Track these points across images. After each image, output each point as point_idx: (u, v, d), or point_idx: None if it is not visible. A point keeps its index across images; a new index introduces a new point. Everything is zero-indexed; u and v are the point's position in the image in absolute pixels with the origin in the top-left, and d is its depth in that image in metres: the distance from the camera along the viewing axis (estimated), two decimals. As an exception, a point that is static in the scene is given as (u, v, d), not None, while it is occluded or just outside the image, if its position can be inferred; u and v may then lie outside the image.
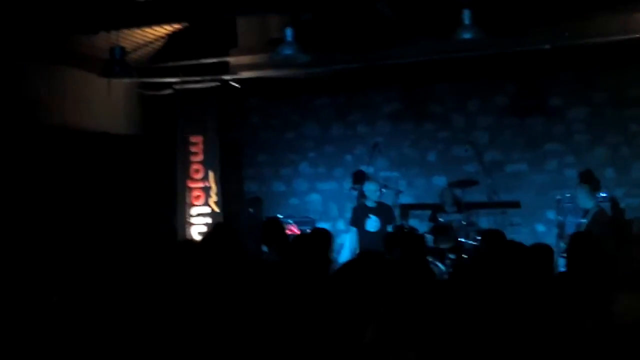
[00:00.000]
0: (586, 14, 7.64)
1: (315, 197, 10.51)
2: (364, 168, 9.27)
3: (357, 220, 8.10)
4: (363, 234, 7.97)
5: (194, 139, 9.63)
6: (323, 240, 5.07)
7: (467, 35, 6.66)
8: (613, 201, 8.60)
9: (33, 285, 4.34)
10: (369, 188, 8.17)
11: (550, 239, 8.80)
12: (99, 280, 4.61)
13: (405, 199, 9.39)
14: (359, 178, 9.25)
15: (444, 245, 8.33)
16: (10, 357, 3.31)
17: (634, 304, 2.48)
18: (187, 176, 9.60)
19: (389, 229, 7.98)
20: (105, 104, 9.01)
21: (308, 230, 9.15)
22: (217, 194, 9.53)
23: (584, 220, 7.70)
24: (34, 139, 7.87)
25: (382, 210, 8.09)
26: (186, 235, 9.32)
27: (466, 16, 6.62)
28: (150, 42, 8.80)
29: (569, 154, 9.43)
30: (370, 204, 8.11)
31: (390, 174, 10.00)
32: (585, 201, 7.76)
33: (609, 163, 9.25)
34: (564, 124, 9.46)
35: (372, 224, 7.99)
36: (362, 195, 8.58)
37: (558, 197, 8.55)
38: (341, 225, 9.90)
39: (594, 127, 9.34)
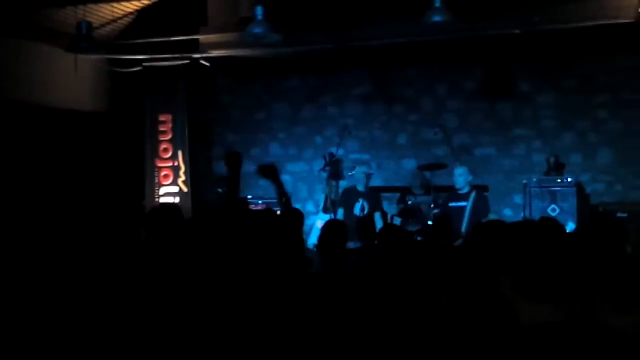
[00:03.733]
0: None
1: (285, 178, 10.48)
2: (333, 150, 9.27)
3: (346, 202, 8.30)
4: (349, 217, 8.09)
5: (162, 117, 9.54)
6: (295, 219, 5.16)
7: (437, 18, 6.67)
8: (579, 186, 8.72)
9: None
10: (359, 171, 8.45)
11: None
12: (66, 261, 4.56)
13: (375, 182, 9.40)
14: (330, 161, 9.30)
15: (412, 228, 8.39)
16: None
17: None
18: (155, 155, 9.51)
19: (377, 215, 8.24)
20: (72, 81, 8.85)
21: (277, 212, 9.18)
22: (185, 174, 9.47)
23: (464, 204, 7.87)
24: (-1, 115, 7.72)
25: (370, 196, 8.36)
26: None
27: (436, -2, 6.63)
28: (119, 18, 8.66)
29: (536, 138, 9.51)
30: (360, 188, 8.34)
31: (360, 156, 10.01)
32: (464, 184, 7.95)
33: (576, 149, 9.35)
34: (533, 109, 9.53)
35: (361, 207, 8.18)
36: (332, 177, 8.67)
37: (524, 181, 8.62)
38: (310, 206, 9.89)
39: (562, 113, 9.42)
